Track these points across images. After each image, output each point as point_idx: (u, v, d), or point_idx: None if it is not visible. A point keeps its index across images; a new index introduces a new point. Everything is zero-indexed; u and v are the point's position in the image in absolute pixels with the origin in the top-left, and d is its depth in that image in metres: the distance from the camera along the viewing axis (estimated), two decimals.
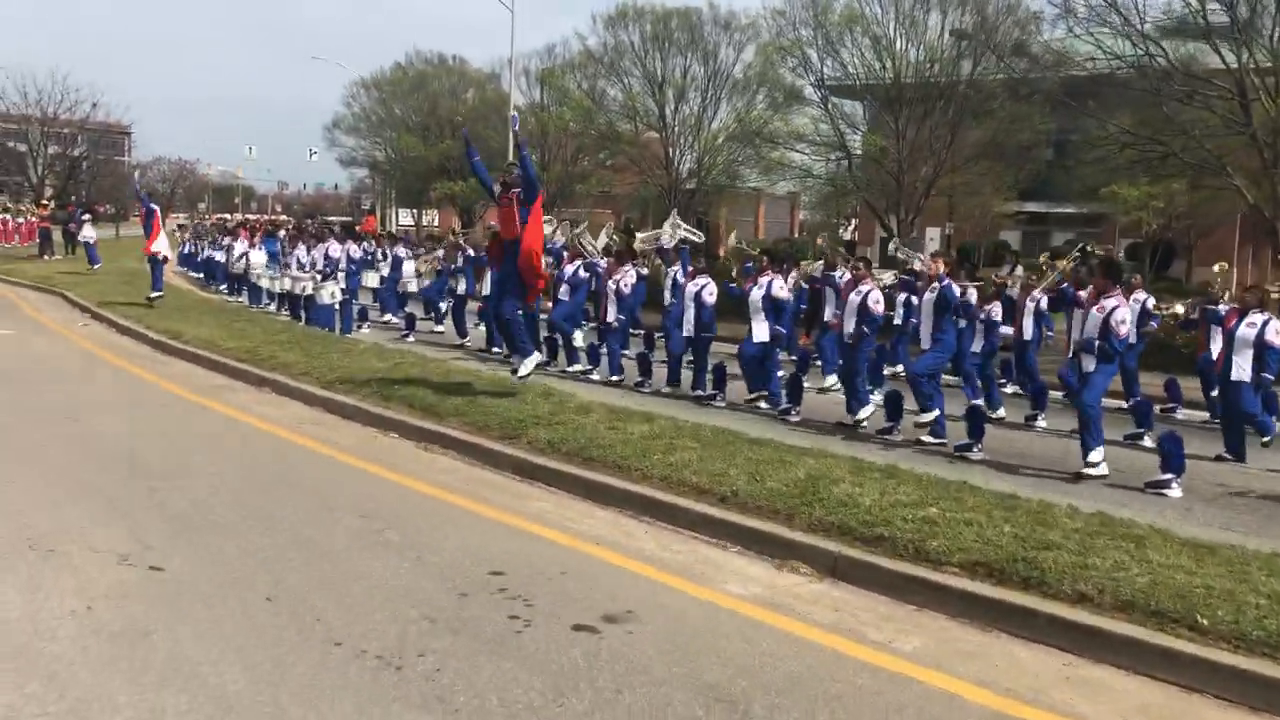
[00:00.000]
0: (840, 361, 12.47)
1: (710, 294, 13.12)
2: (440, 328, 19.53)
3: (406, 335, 18.49)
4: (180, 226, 45.03)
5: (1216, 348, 11.71)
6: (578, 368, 14.63)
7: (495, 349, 16.13)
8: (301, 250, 20.26)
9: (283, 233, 25.82)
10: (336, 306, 18.05)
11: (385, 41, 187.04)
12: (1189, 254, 45.02)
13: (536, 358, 10.85)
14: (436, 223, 62.42)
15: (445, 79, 48.33)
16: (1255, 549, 6.11)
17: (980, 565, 5.75)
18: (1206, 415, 12.61)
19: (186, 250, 32.23)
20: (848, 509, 6.59)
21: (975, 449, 10.05)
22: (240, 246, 23.73)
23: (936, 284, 10.98)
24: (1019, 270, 18.29)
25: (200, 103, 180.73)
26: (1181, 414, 13.20)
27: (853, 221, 42.10)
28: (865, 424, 11.25)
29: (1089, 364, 9.42)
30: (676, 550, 6.53)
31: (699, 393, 13.08)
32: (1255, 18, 16.58)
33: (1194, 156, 17.67)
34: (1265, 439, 10.85)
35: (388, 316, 21.63)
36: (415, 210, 59.31)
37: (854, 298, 11.60)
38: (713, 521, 6.81)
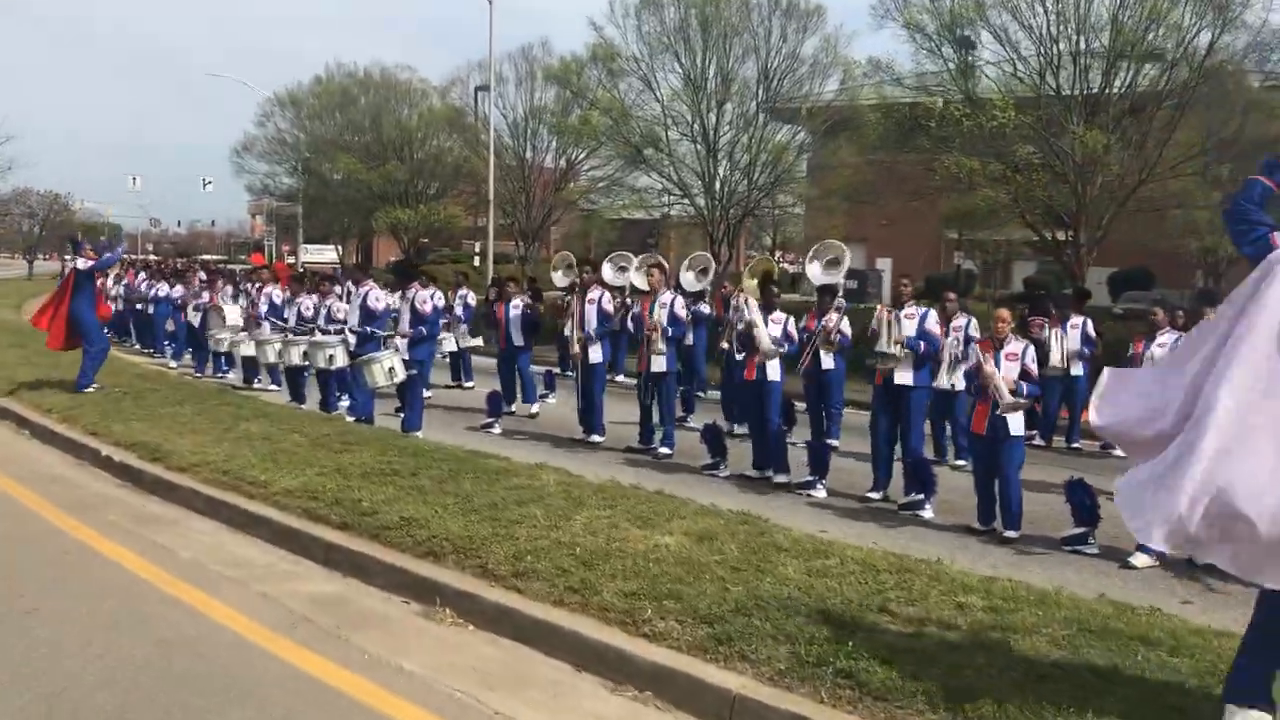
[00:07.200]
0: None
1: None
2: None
3: (491, 425, 12.12)
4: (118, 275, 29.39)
5: None
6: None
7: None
8: (306, 301, 13.50)
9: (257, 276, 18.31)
10: (388, 386, 11.37)
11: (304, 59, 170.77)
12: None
13: None
14: (375, 259, 55.69)
15: (387, 91, 41.53)
16: None
17: None
18: None
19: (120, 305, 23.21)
20: None
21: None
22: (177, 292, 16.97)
23: None
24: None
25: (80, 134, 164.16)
26: None
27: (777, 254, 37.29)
28: None
29: None
30: None
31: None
32: None
33: None
34: None
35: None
36: (339, 244, 51.75)
37: None
38: None
